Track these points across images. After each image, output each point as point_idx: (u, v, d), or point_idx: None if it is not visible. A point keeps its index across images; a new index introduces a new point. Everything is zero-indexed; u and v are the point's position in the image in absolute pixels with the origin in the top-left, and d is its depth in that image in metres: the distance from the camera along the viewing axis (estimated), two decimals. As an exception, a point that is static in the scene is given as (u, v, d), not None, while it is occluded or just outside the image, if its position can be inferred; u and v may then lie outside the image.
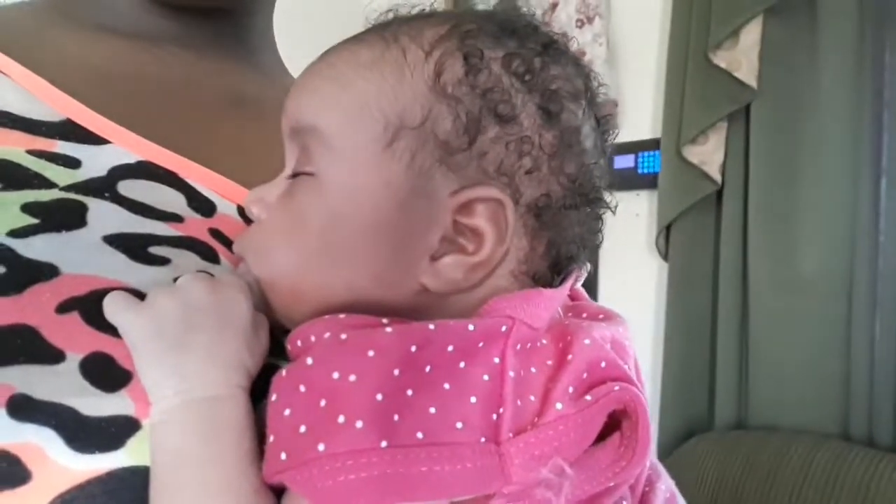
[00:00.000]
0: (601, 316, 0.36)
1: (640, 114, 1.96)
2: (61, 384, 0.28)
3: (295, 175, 0.35)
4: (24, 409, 0.27)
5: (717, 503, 1.56)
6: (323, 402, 0.28)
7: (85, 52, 0.43)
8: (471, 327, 0.30)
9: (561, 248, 0.35)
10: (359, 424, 0.27)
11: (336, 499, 0.27)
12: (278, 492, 0.29)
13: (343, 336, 0.29)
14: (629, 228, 1.97)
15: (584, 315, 0.36)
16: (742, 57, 1.65)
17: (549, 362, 0.31)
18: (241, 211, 0.39)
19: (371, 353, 0.28)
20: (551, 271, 0.36)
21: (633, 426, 0.31)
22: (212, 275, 0.34)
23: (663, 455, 1.76)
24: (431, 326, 0.30)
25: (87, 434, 0.28)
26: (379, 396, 0.28)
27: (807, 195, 1.61)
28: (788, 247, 1.63)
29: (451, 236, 0.33)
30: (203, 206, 0.39)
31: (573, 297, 0.40)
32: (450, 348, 0.29)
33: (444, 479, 0.27)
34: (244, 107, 0.46)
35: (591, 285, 2.07)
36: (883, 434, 1.52)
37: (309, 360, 0.29)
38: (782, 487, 1.50)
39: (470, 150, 0.32)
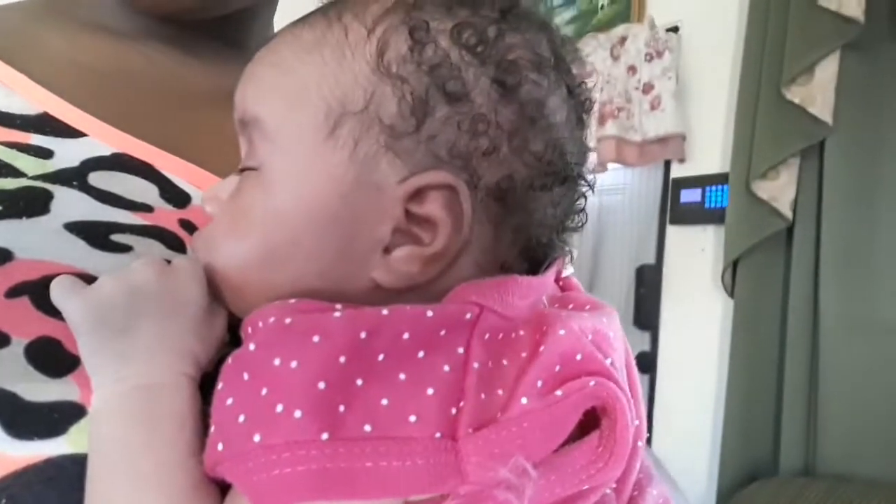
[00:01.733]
0: (588, 307, 0.33)
1: (708, 148, 1.93)
2: (3, 369, 0.27)
3: (242, 170, 0.33)
4: None
5: (780, 554, 1.49)
6: (264, 391, 0.26)
7: (69, 49, 0.42)
8: (429, 313, 0.28)
9: (531, 233, 0.33)
10: (297, 414, 0.25)
11: (271, 493, 0.25)
12: (225, 489, 0.28)
13: (287, 320, 0.27)
14: (694, 263, 1.93)
15: (571, 306, 0.32)
16: (817, 92, 1.61)
17: (524, 354, 0.28)
18: None
19: (316, 339, 0.26)
20: (522, 259, 0.33)
21: (612, 425, 0.28)
22: (168, 261, 0.32)
23: (723, 499, 1.70)
24: (385, 311, 0.27)
25: (26, 420, 0.27)
26: (321, 385, 0.26)
27: (885, 235, 1.56)
28: (864, 289, 1.57)
29: (405, 227, 0.31)
30: (176, 197, 0.38)
31: (565, 287, 0.36)
32: (405, 336, 0.27)
33: (390, 476, 0.25)
34: (232, 103, 0.46)
35: (653, 319, 2.04)
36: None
37: (251, 346, 0.27)
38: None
39: (418, 133, 0.30)
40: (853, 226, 1.59)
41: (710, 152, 1.93)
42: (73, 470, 0.27)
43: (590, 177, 0.35)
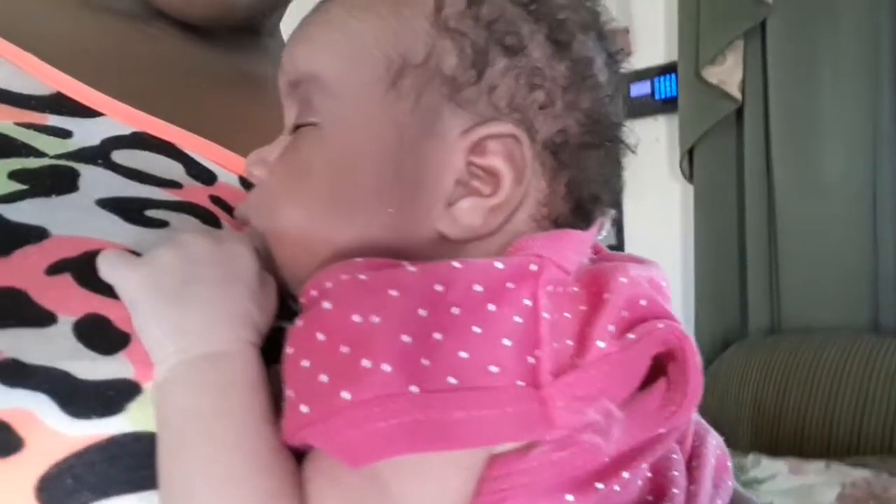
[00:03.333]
0: (633, 262, 0.34)
1: (652, 39, 1.98)
2: (54, 347, 0.27)
3: (297, 128, 0.34)
4: (15, 374, 0.26)
5: (761, 403, 1.65)
6: (344, 349, 0.26)
7: (75, 29, 0.41)
8: (498, 265, 0.28)
9: (583, 189, 0.33)
10: (386, 368, 0.25)
11: (364, 449, 0.24)
12: (299, 456, 0.27)
13: (362, 277, 0.27)
14: (650, 154, 2.01)
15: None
16: (755, -27, 1.68)
17: (583, 308, 0.29)
18: (242, 181, 0.38)
19: (394, 293, 0.26)
20: (574, 215, 0.34)
21: (680, 368, 0.29)
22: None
23: (703, 366, 1.85)
24: (456, 264, 0.28)
25: (83, 398, 0.26)
26: (406, 338, 0.26)
27: (827, 103, 1.67)
28: (811, 155, 1.69)
29: (466, 179, 0.31)
30: (203, 174, 0.37)
31: (595, 251, 0.36)
32: (476, 288, 0.27)
33: (483, 426, 0.25)
34: (243, 83, 0.45)
35: (617, 213, 2.13)
36: (912, 324, 1.62)
37: (326, 305, 0.27)
38: (822, 383, 1.58)
39: (479, 85, 0.31)
40: (798, 98, 1.69)
41: (653, 44, 1.98)
42: (135, 448, 0.27)
43: (629, 140, 0.36)
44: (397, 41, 0.32)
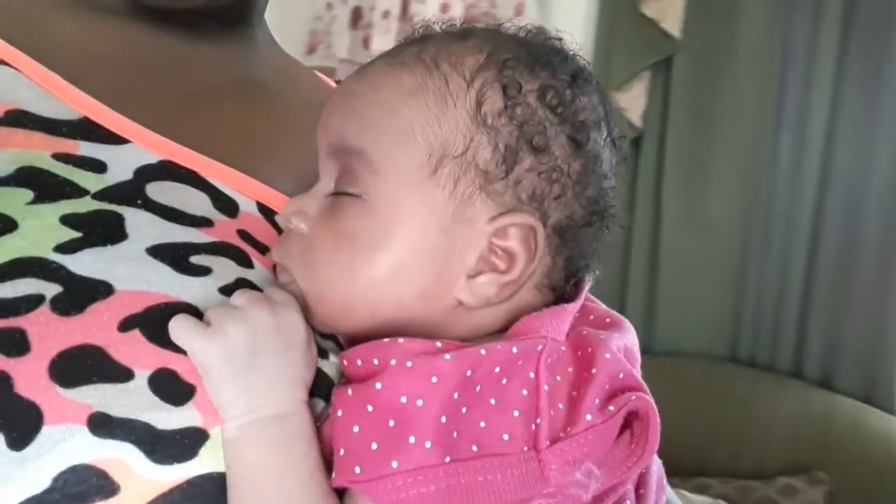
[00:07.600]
0: (608, 320, 0.40)
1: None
2: (134, 401, 0.30)
3: (337, 193, 0.37)
4: (105, 426, 0.30)
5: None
6: (392, 423, 0.31)
7: (83, 37, 0.42)
8: (514, 350, 0.33)
9: (578, 261, 0.38)
10: (427, 444, 0.31)
11: None
12: (339, 490, 0.33)
13: (409, 364, 0.32)
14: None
15: (592, 317, 0.40)
16: (668, 8, 1.74)
17: (570, 369, 0.35)
18: (260, 207, 0.41)
19: (434, 380, 0.32)
20: (566, 281, 0.39)
21: (643, 427, 0.35)
22: (260, 289, 0.36)
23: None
24: (483, 352, 0.33)
25: (163, 447, 0.30)
26: (443, 419, 0.31)
27: (718, 144, 1.77)
28: (700, 190, 1.79)
29: (486, 256, 0.36)
30: (227, 206, 0.40)
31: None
32: (497, 369, 0.33)
33: (497, 486, 0.31)
34: (247, 90, 0.46)
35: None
36: (763, 356, 1.75)
37: (378, 385, 0.32)
38: (679, 407, 1.67)
39: (507, 179, 0.35)
40: (693, 134, 1.78)
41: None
42: (208, 487, 0.31)
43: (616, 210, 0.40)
44: (440, 131, 0.35)
